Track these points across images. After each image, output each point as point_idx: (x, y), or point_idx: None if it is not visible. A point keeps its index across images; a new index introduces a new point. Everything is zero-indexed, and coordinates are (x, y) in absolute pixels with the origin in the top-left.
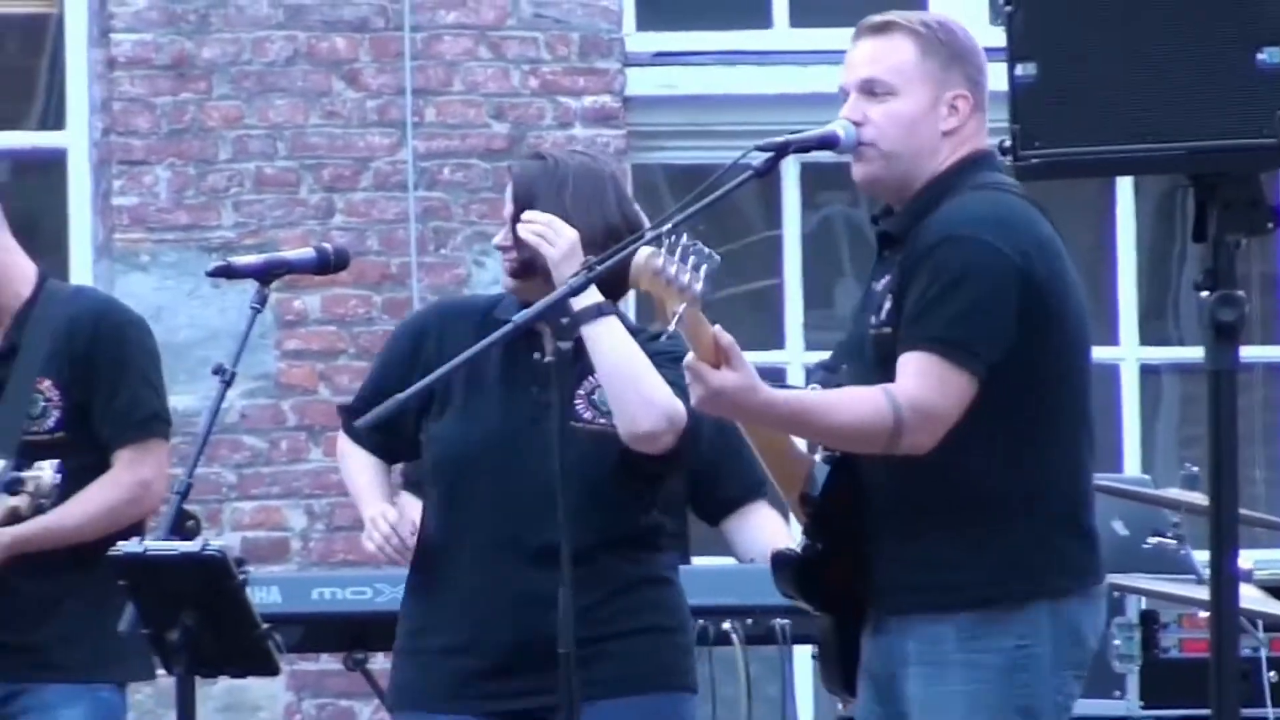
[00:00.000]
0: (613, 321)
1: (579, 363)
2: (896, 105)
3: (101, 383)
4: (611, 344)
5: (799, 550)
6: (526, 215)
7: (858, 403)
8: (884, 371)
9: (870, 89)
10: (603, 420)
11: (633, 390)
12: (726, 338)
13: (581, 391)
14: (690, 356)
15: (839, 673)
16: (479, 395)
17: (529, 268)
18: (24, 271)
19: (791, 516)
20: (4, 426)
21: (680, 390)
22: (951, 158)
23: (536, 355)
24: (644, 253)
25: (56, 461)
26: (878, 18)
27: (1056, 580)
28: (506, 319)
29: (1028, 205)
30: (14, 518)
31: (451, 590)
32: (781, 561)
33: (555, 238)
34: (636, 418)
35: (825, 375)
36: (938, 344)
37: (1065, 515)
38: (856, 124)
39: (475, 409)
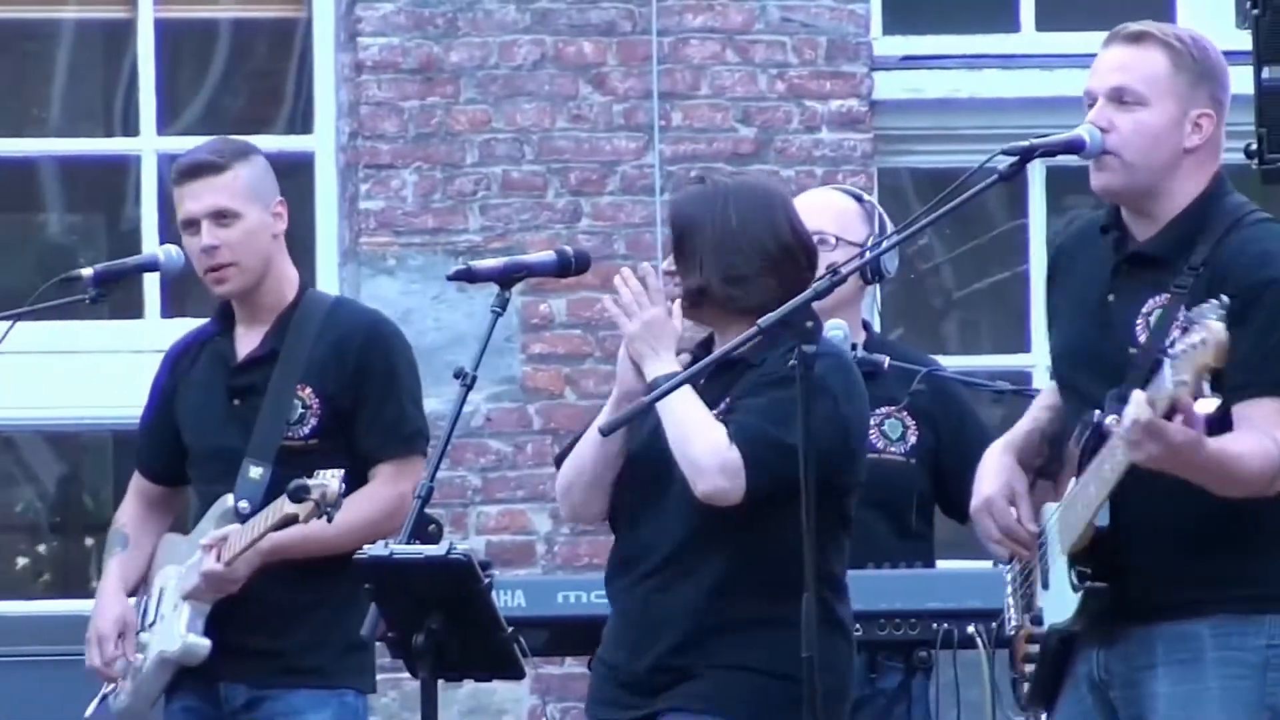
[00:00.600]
0: (682, 391)
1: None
2: (1145, 116)
3: (370, 396)
4: (671, 411)
5: (1092, 582)
6: (619, 279)
7: (1259, 449)
8: None
9: (1120, 97)
10: None
11: (684, 458)
12: (1186, 397)
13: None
14: (1149, 414)
15: (1053, 690)
16: (641, 415)
17: (696, 295)
18: (290, 276)
19: None
20: (266, 433)
21: (748, 424)
22: (1197, 178)
23: None
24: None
25: (341, 471)
26: (1134, 26)
27: None
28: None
29: None
30: (288, 525)
31: (614, 605)
32: (1099, 595)
33: (636, 312)
34: (695, 482)
35: (1116, 407)
36: None
37: None
38: (1103, 130)
39: (635, 427)
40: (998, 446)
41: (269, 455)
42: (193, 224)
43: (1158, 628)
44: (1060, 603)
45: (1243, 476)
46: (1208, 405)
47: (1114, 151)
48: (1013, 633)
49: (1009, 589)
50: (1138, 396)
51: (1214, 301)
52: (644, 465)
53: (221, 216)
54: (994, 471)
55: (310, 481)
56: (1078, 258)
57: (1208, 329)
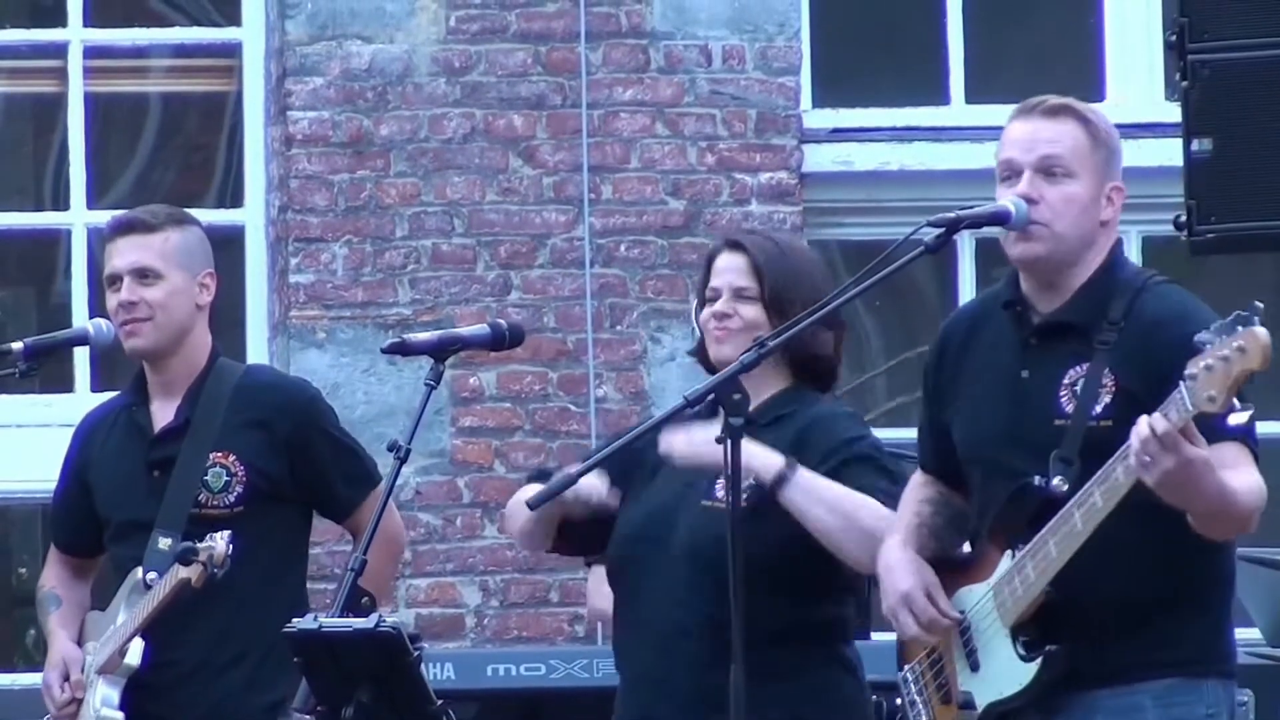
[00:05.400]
0: (800, 477)
1: None
2: (1073, 189)
3: (322, 458)
4: (811, 500)
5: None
6: (666, 447)
7: (1253, 487)
8: (1094, 465)
9: (1049, 169)
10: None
11: (851, 532)
12: (1216, 410)
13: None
14: (1170, 426)
15: None
16: (644, 480)
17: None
18: (204, 345)
19: None
20: (174, 504)
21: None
22: (1103, 248)
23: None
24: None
25: (228, 532)
26: (1052, 100)
27: (1228, 663)
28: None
29: None
30: (184, 589)
31: (626, 675)
32: (1057, 658)
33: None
34: (862, 560)
35: (1060, 468)
36: (1242, 436)
37: (1230, 601)
38: (1032, 201)
39: (640, 493)
40: (895, 543)
41: (178, 525)
42: (116, 279)
43: (1100, 696)
44: (1002, 678)
45: (1237, 511)
46: (1241, 416)
47: (1044, 223)
48: None
49: (912, 689)
50: (1145, 419)
51: (1241, 314)
52: (644, 528)
53: (143, 275)
54: (902, 566)
55: (198, 544)
56: (974, 337)
57: (1249, 335)
